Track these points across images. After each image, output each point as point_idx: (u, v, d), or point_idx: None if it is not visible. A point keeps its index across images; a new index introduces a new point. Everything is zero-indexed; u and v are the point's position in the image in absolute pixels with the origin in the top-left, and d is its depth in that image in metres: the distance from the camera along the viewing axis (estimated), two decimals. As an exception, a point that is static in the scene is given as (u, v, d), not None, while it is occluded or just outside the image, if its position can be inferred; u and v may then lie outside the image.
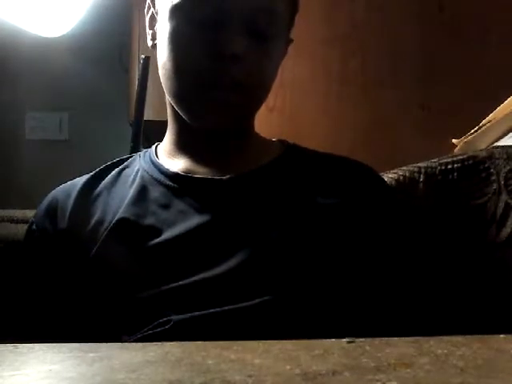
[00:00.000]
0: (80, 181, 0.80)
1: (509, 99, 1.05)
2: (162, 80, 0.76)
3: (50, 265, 0.75)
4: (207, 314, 0.64)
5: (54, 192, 0.81)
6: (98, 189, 0.78)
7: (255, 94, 0.75)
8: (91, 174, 0.81)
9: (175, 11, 0.72)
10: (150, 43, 0.80)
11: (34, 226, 0.78)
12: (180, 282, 0.66)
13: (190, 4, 0.70)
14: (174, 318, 0.64)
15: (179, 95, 0.74)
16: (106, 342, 0.45)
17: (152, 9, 0.80)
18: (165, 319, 0.64)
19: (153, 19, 0.79)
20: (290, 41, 0.82)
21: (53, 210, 0.77)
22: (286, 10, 0.76)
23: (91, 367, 0.38)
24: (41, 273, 0.76)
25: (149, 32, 0.80)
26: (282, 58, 0.81)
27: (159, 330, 0.64)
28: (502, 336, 0.44)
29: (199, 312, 0.64)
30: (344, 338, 0.43)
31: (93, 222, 0.74)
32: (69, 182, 0.81)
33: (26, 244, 0.79)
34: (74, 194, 0.78)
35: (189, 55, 0.71)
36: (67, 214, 0.76)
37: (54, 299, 0.74)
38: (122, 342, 0.65)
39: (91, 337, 0.61)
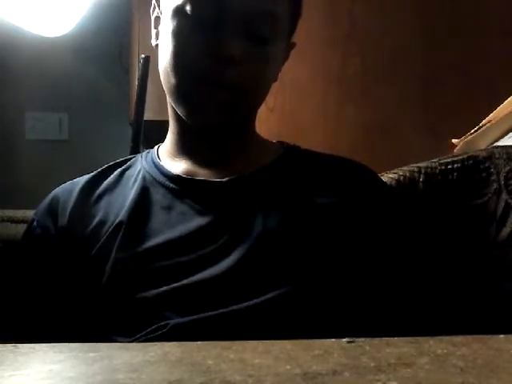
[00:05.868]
0: (82, 180, 0.81)
1: (509, 99, 1.05)
2: (161, 78, 0.77)
3: (49, 262, 0.75)
4: (204, 317, 0.64)
5: (55, 190, 0.81)
6: (100, 188, 0.79)
7: (251, 95, 0.75)
8: (93, 173, 0.82)
9: (177, 12, 0.72)
10: (153, 42, 0.82)
11: (34, 223, 0.79)
12: (179, 284, 0.67)
13: (191, 5, 0.71)
14: (172, 321, 0.64)
15: (176, 93, 0.74)
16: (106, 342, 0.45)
17: (157, 9, 0.81)
18: (162, 323, 0.64)
19: (157, 19, 0.81)
20: (293, 45, 0.82)
21: (54, 208, 0.78)
22: (288, 14, 0.76)
23: (91, 367, 0.38)
24: (40, 270, 0.76)
25: (153, 31, 0.82)
26: (283, 62, 0.81)
27: (157, 334, 0.64)
28: (501, 336, 0.44)
29: (196, 316, 0.64)
30: (344, 338, 0.43)
31: (95, 221, 0.75)
32: (71, 181, 0.82)
33: (25, 240, 0.79)
34: (75, 193, 0.78)
35: (187, 54, 0.72)
36: (68, 211, 0.77)
37: (52, 297, 0.74)
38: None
39: (87, 337, 0.60)
